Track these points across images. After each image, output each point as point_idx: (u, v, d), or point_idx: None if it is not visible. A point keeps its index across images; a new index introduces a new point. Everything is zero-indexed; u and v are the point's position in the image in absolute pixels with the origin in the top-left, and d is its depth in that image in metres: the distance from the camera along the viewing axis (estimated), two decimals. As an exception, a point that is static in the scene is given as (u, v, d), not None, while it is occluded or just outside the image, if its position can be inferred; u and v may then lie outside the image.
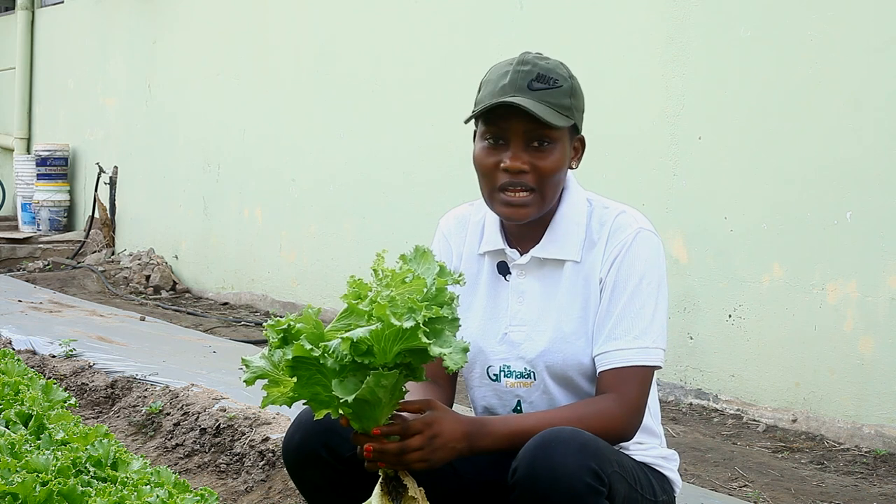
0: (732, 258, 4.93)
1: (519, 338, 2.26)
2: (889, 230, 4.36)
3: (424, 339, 1.87)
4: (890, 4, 4.41)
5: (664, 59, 5.19)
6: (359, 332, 1.86)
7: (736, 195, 4.91)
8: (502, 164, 2.19)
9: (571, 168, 2.28)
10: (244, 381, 1.96)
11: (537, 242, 2.28)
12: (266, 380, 1.94)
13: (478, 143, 2.25)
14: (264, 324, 1.98)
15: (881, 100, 4.40)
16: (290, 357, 1.88)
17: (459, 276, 2.00)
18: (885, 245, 4.37)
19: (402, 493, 2.00)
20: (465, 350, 1.92)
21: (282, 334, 1.91)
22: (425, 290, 1.92)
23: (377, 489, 2.01)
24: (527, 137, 2.18)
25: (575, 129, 2.25)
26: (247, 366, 1.95)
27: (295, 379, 1.90)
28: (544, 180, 2.19)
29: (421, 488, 2.01)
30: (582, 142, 2.29)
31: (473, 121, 2.27)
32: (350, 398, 1.88)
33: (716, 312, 4.98)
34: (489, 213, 2.34)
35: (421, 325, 1.86)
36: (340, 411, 1.95)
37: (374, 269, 1.95)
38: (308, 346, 1.87)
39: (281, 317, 1.94)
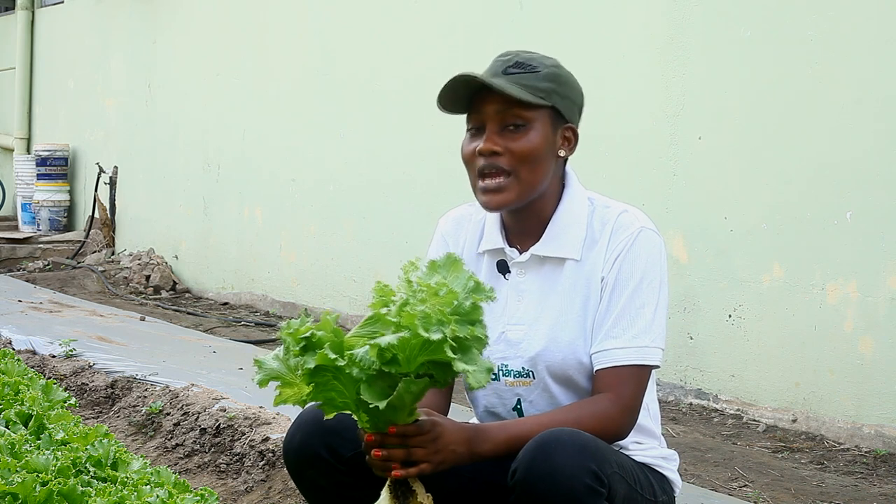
0: (732, 258, 4.93)
1: (517, 337, 2.26)
2: (889, 230, 4.36)
3: (450, 354, 1.85)
4: (890, 4, 4.40)
5: (664, 59, 5.18)
6: (386, 339, 1.83)
7: (736, 195, 4.91)
8: (477, 149, 2.20)
9: (560, 156, 2.25)
10: (257, 383, 1.92)
11: (537, 241, 2.27)
12: (279, 381, 1.91)
13: (464, 136, 2.27)
14: (278, 326, 1.95)
15: (881, 100, 4.39)
16: (311, 366, 1.84)
17: (490, 290, 1.95)
18: (885, 245, 4.36)
19: (409, 497, 1.98)
20: (490, 370, 1.89)
21: (303, 343, 1.86)
22: (456, 302, 1.88)
23: (385, 493, 2.00)
24: (501, 120, 2.18)
25: (561, 118, 2.22)
26: (259, 366, 1.92)
27: (312, 386, 1.87)
28: (519, 163, 2.18)
29: (429, 494, 2.00)
30: (573, 132, 2.26)
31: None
32: (382, 404, 1.86)
33: (716, 312, 4.98)
34: (490, 213, 2.34)
35: (448, 338, 1.83)
36: (350, 413, 1.93)
37: (406, 280, 1.92)
38: (332, 356, 1.84)
39: (291, 317, 1.92)
